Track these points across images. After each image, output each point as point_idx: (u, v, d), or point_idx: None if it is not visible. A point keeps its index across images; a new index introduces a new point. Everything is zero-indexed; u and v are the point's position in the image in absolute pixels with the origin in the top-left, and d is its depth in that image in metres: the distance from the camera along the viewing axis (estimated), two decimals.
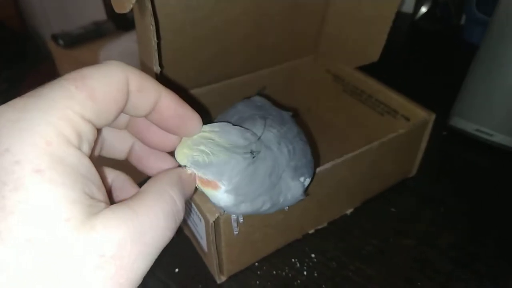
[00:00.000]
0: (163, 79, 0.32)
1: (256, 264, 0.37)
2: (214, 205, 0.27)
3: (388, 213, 0.42)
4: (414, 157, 0.45)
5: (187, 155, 0.23)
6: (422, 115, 0.41)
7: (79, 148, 0.15)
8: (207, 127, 0.23)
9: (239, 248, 0.34)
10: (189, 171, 0.23)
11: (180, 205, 0.19)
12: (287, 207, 0.32)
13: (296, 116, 0.34)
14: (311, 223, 0.39)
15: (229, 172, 0.23)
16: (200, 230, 0.33)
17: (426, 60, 0.73)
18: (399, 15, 0.50)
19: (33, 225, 0.13)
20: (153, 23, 0.28)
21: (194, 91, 0.44)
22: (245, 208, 0.26)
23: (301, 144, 0.30)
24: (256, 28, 0.44)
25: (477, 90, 0.49)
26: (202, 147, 0.23)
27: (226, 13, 0.39)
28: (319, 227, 0.40)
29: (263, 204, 0.26)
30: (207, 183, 0.24)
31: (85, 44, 0.66)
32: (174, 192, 0.19)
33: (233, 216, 0.30)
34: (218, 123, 0.24)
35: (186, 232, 0.39)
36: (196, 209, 0.31)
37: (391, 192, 0.44)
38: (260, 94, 0.40)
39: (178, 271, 0.36)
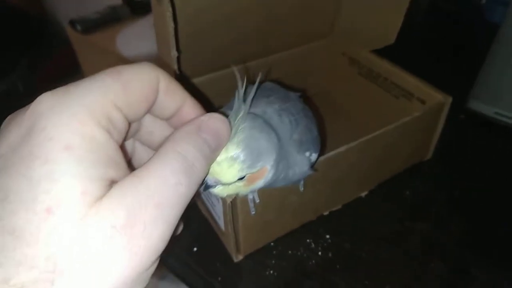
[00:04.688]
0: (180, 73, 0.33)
1: (272, 244, 0.38)
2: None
3: (402, 196, 0.43)
4: (430, 140, 0.45)
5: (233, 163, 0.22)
6: (438, 98, 0.41)
7: (109, 132, 0.17)
8: None
9: (256, 228, 0.35)
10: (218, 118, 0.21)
11: (192, 159, 0.18)
12: (302, 188, 0.33)
13: (304, 97, 0.34)
14: (325, 205, 0.40)
15: (271, 149, 0.24)
16: (217, 210, 0.34)
17: (445, 41, 0.72)
18: None
19: (53, 196, 0.14)
20: (170, 9, 0.29)
21: (210, 76, 0.45)
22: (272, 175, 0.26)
23: (305, 120, 0.30)
24: (271, 11, 0.44)
25: (497, 72, 0.48)
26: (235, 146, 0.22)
27: None
28: (334, 209, 0.41)
29: (282, 169, 0.27)
30: (256, 175, 0.24)
31: (102, 29, 0.67)
32: (182, 148, 0.18)
33: (250, 197, 0.31)
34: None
35: (204, 212, 0.40)
36: None
37: (406, 175, 0.44)
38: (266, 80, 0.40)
39: (196, 250, 0.38)
